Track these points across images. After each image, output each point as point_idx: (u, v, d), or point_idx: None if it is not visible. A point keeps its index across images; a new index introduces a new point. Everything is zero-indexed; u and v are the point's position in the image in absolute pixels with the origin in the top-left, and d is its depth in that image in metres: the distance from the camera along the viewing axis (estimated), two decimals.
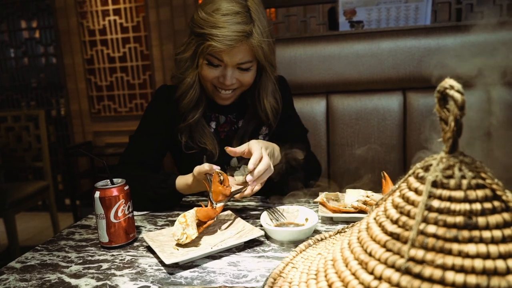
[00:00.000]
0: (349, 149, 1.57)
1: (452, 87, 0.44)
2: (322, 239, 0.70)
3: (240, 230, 0.85)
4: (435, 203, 0.43)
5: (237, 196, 0.89)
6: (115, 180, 0.85)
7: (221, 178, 0.86)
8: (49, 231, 2.96)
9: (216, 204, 0.85)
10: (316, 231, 0.85)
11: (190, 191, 1.01)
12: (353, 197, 0.91)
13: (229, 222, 0.89)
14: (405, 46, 1.49)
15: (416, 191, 0.46)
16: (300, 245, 0.67)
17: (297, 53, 1.58)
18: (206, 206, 0.85)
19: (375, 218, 0.50)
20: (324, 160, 1.56)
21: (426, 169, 0.47)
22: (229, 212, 0.94)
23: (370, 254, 0.46)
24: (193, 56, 1.05)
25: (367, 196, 0.89)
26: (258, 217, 0.94)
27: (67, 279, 0.71)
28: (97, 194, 0.81)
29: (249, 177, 0.85)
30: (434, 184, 0.44)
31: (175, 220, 0.89)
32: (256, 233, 0.81)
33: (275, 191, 1.03)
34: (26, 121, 2.80)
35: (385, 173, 0.96)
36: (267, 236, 0.84)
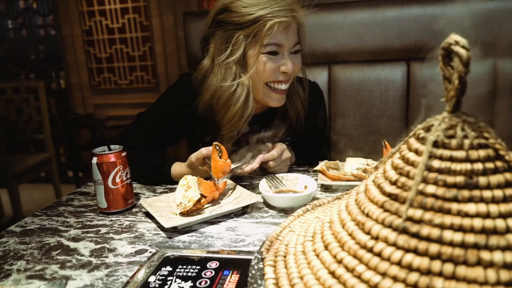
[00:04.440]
0: (351, 120, 1.55)
1: (457, 43, 0.42)
2: (320, 205, 0.69)
3: (238, 196, 0.85)
4: (435, 163, 0.42)
5: (237, 172, 0.89)
6: (112, 146, 0.84)
7: (220, 153, 0.85)
8: (52, 201, 2.99)
9: (218, 180, 0.84)
10: (315, 199, 0.85)
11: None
12: (353, 165, 0.90)
13: (227, 189, 0.88)
14: (411, 14, 1.45)
15: (416, 151, 0.45)
16: (298, 210, 0.67)
17: None
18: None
19: (373, 180, 0.49)
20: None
21: (428, 129, 0.46)
22: (228, 180, 0.93)
23: (367, 215, 0.45)
24: (241, 58, 0.94)
25: (367, 164, 0.88)
26: (256, 185, 0.94)
27: (66, 242, 0.72)
28: (94, 160, 0.81)
29: (258, 161, 0.89)
30: (435, 144, 0.43)
31: (173, 188, 0.89)
32: (253, 198, 0.81)
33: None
34: (26, 93, 2.78)
35: (386, 142, 0.95)
36: (265, 203, 0.84)
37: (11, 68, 3.58)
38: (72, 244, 0.71)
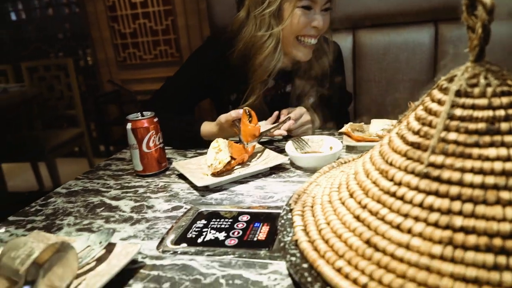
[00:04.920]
0: (376, 85, 1.54)
1: None
2: (345, 162, 0.72)
3: (265, 157, 0.88)
4: (458, 112, 0.43)
5: (267, 134, 0.93)
6: (145, 112, 0.88)
7: (250, 117, 0.89)
8: None
9: (247, 144, 0.88)
10: (340, 158, 0.87)
11: (214, 138, 1.02)
12: (378, 126, 0.92)
13: (255, 151, 0.92)
14: None
15: (439, 102, 0.46)
16: (324, 167, 0.70)
17: None
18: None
19: (397, 132, 0.51)
20: None
21: (451, 80, 0.47)
22: (255, 143, 0.97)
23: (390, 164, 0.47)
24: (277, 10, 0.99)
25: (392, 125, 0.89)
26: (283, 147, 0.97)
27: (108, 201, 0.78)
28: (129, 125, 0.86)
29: (286, 125, 0.92)
30: (458, 93, 0.44)
31: (203, 152, 0.93)
32: (280, 159, 0.84)
33: None
34: (56, 70, 2.88)
35: (412, 103, 0.95)
36: (292, 164, 0.87)
37: (41, 47, 3.69)
38: (114, 203, 0.77)
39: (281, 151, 0.97)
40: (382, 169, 0.48)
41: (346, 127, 0.95)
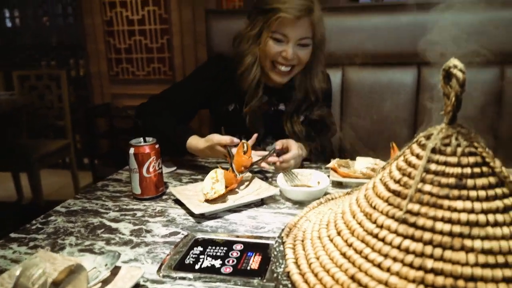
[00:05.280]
0: (362, 120, 1.63)
1: (455, 66, 0.50)
2: (332, 198, 0.79)
3: (257, 188, 0.94)
4: (432, 167, 0.51)
5: (256, 164, 1.00)
6: (147, 138, 0.94)
7: (245, 149, 0.96)
8: (69, 187, 3.13)
9: (239, 174, 0.94)
10: (327, 194, 0.94)
11: (198, 154, 1.10)
12: (362, 164, 0.99)
13: (247, 181, 0.98)
14: (424, 20, 1.49)
15: (418, 156, 0.54)
16: (313, 202, 0.76)
17: None
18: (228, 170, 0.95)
19: (380, 179, 0.58)
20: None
21: (428, 137, 0.55)
22: (247, 173, 1.03)
23: (374, 208, 0.54)
24: (257, 34, 1.17)
25: (375, 164, 0.97)
26: (273, 178, 1.03)
27: (107, 223, 0.82)
28: (131, 150, 0.91)
29: (273, 158, 1.01)
30: (433, 150, 0.52)
31: (198, 178, 0.99)
32: (272, 191, 0.91)
33: None
34: (48, 80, 2.90)
35: (393, 143, 1.03)
36: (282, 196, 0.93)
37: (33, 54, 3.71)
38: (113, 225, 0.81)
39: (272, 180, 1.03)
40: (366, 212, 0.55)
41: (333, 163, 1.03)
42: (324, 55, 1.27)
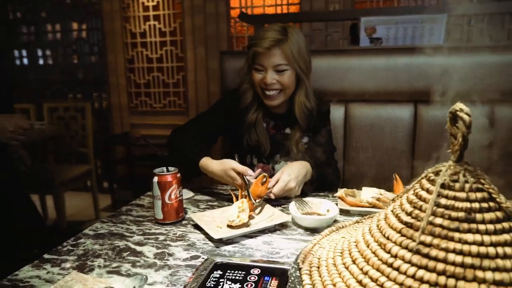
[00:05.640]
0: (363, 152, 1.63)
1: (462, 110, 0.51)
2: (343, 227, 0.78)
3: (270, 215, 0.94)
4: (442, 201, 0.51)
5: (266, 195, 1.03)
6: (170, 168, 0.94)
7: (264, 180, 0.98)
8: (90, 208, 3.12)
9: (256, 202, 0.94)
10: (336, 221, 0.93)
11: (208, 173, 1.12)
12: (368, 194, 0.99)
13: (261, 208, 0.98)
14: (420, 62, 1.54)
15: (428, 190, 0.54)
16: (325, 230, 0.75)
17: (321, 64, 1.64)
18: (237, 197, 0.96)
19: (392, 211, 0.58)
20: (340, 160, 1.63)
21: (437, 173, 0.55)
22: (261, 200, 1.02)
23: (387, 238, 0.54)
24: (248, 68, 1.31)
25: (380, 194, 0.97)
26: (284, 205, 1.03)
27: (132, 246, 0.81)
28: (155, 179, 0.91)
29: (271, 195, 1.04)
30: (442, 186, 0.52)
31: (214, 205, 0.99)
32: (284, 218, 0.90)
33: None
34: (74, 111, 2.95)
35: (396, 175, 1.04)
36: (294, 222, 0.92)
37: (62, 88, 3.79)
38: (138, 248, 0.80)
39: (284, 208, 1.03)
40: (380, 242, 0.54)
41: (341, 192, 1.02)
42: (309, 80, 1.34)
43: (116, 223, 0.94)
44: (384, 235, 0.55)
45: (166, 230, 0.90)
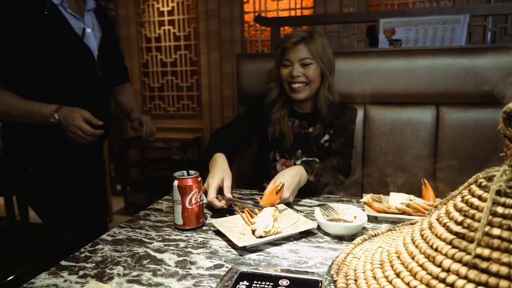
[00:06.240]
0: (383, 156, 1.57)
1: None
2: (375, 235, 0.72)
3: (295, 221, 0.89)
4: (499, 209, 0.45)
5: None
6: (190, 171, 0.90)
7: (279, 189, 0.96)
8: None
9: (277, 208, 0.90)
10: (364, 228, 0.87)
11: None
12: (396, 200, 0.93)
13: (285, 215, 0.92)
14: (441, 64, 1.48)
15: (480, 198, 0.48)
16: (357, 238, 0.70)
17: (339, 67, 1.58)
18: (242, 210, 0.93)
19: (437, 219, 0.52)
20: (359, 165, 1.57)
21: (489, 179, 0.49)
22: (283, 206, 0.98)
23: (436, 249, 0.48)
24: (276, 67, 1.38)
25: (410, 200, 0.91)
26: (307, 211, 0.98)
27: (152, 253, 0.77)
28: (175, 183, 0.87)
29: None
30: (498, 192, 0.46)
31: (233, 210, 0.94)
32: (310, 224, 0.85)
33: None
34: None
35: (425, 180, 0.98)
36: (319, 229, 0.87)
37: None
38: (158, 255, 0.76)
39: (307, 214, 0.97)
40: (428, 254, 0.49)
41: (367, 198, 0.97)
42: (333, 79, 1.38)
43: (134, 229, 0.90)
44: (431, 246, 0.49)
45: (186, 236, 0.85)
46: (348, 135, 1.43)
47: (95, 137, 1.17)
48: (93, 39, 1.26)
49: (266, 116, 1.42)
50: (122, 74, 1.62)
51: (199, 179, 0.89)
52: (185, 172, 0.90)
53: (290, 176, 1.05)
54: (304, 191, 1.13)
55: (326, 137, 1.40)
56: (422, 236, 0.52)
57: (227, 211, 1.02)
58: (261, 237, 0.80)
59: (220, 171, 1.03)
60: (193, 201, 0.87)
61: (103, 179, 1.54)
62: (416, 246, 0.52)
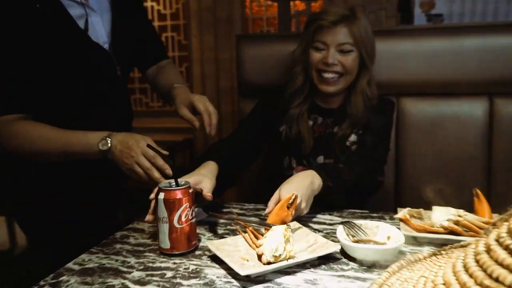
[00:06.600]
0: (421, 159, 1.55)
1: None
2: (415, 261, 0.70)
3: (312, 244, 0.87)
4: None
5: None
6: (180, 181, 0.89)
7: (291, 202, 0.95)
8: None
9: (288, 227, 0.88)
10: (400, 252, 0.85)
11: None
12: (441, 215, 0.91)
13: (300, 235, 0.91)
14: (495, 44, 1.46)
15: None
16: (392, 265, 0.68)
17: None
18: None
19: (497, 240, 0.50)
20: (391, 170, 1.55)
21: None
22: (296, 224, 0.96)
23: (497, 280, 0.46)
24: (302, 48, 1.34)
25: (459, 216, 0.89)
26: (328, 231, 0.96)
27: (131, 285, 0.76)
28: (161, 195, 0.85)
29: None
30: None
31: (234, 229, 0.93)
32: (331, 247, 0.83)
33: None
34: None
35: (478, 191, 0.97)
36: (343, 253, 0.85)
37: None
38: None
39: (327, 234, 0.96)
40: (486, 285, 0.46)
41: (403, 213, 0.95)
42: (371, 65, 1.36)
43: (108, 254, 0.89)
44: (490, 276, 0.47)
45: (174, 263, 0.84)
46: (383, 136, 1.40)
47: (157, 177, 1.00)
48: (102, 27, 1.17)
49: (282, 110, 1.39)
50: (156, 51, 1.49)
51: (191, 190, 0.88)
52: (173, 182, 0.88)
53: (299, 182, 1.05)
54: (320, 203, 1.11)
55: (353, 137, 1.36)
56: (477, 262, 0.50)
57: (226, 230, 1.00)
58: (269, 263, 0.79)
59: (197, 175, 1.02)
60: (183, 219, 0.86)
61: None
62: (471, 276, 0.50)
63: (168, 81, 1.35)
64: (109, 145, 1.02)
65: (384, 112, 1.39)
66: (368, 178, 1.33)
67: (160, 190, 0.86)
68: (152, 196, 0.94)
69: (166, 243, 0.87)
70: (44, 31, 1.03)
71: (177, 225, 0.86)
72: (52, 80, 1.08)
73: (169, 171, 0.98)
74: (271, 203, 1.01)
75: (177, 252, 0.87)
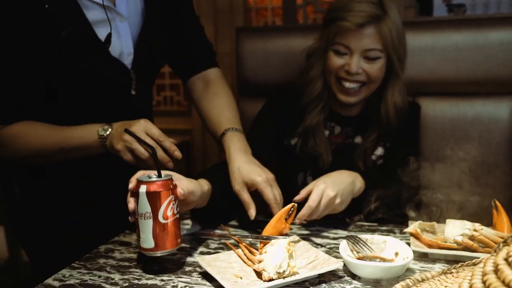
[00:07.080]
0: (440, 166, 1.56)
1: None
2: (423, 280, 0.72)
3: (312, 260, 0.89)
4: None
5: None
6: (163, 172, 0.90)
7: (290, 212, 0.97)
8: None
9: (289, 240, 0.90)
10: (408, 269, 0.87)
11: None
12: (455, 229, 0.92)
13: (298, 250, 0.92)
14: None
15: None
16: (397, 285, 0.69)
17: None
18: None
19: (506, 259, 0.52)
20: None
21: None
22: (295, 237, 0.98)
23: None
24: (321, 48, 1.29)
25: (475, 230, 0.90)
26: (331, 246, 0.98)
27: None
28: (143, 188, 0.85)
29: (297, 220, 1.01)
30: None
31: (231, 243, 0.95)
32: (333, 264, 0.85)
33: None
34: None
35: (497, 202, 0.97)
36: (346, 271, 0.87)
37: None
38: None
39: (330, 249, 0.97)
40: None
41: (414, 226, 0.96)
42: (403, 70, 1.31)
43: (91, 270, 0.91)
44: None
45: (162, 280, 0.86)
46: (414, 147, 1.38)
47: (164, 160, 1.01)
48: (128, 35, 1.13)
49: (297, 118, 1.34)
50: (201, 57, 1.39)
51: (174, 182, 0.90)
52: (152, 175, 0.89)
53: (340, 177, 1.07)
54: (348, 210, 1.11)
55: (380, 150, 1.34)
56: (484, 283, 0.52)
57: (220, 245, 1.02)
58: (271, 280, 0.80)
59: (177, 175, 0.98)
60: (169, 213, 0.87)
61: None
62: None
63: (216, 116, 1.26)
64: (108, 130, 1.04)
65: (412, 119, 1.38)
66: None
67: (140, 183, 0.87)
68: (131, 186, 0.90)
69: (149, 242, 0.87)
70: (50, 35, 1.02)
71: (162, 220, 0.86)
72: (49, 90, 1.10)
73: (178, 152, 1.02)
74: (304, 191, 1.03)
75: (161, 251, 0.88)
